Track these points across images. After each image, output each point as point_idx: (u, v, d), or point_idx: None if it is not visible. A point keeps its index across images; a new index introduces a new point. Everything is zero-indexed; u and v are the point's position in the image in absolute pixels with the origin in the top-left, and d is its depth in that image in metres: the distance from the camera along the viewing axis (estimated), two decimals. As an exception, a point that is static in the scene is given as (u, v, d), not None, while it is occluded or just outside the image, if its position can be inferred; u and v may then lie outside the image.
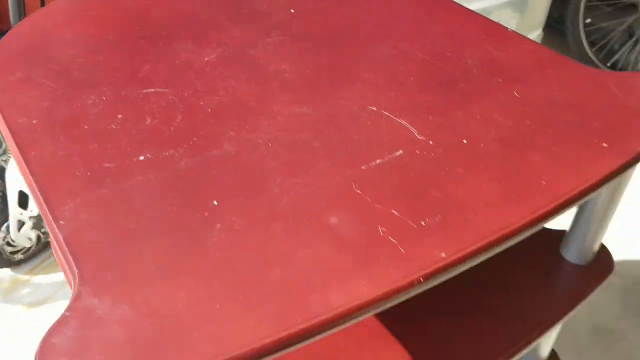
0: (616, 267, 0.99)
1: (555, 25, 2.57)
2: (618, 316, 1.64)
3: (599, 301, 1.67)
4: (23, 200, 1.59)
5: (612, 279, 1.71)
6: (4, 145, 1.62)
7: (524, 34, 2.17)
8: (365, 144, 0.75)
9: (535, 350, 1.12)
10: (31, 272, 1.75)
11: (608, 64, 2.50)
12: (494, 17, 2.09)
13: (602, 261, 1.00)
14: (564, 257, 1.00)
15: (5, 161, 1.60)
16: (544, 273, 0.98)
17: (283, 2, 1.06)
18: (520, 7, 2.25)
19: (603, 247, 1.00)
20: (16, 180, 1.54)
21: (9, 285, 1.71)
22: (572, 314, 0.92)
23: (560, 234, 1.03)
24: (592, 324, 1.62)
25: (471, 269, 0.64)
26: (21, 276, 1.74)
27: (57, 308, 1.65)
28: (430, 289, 0.62)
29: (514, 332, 0.90)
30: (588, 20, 2.44)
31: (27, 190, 1.57)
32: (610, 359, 1.54)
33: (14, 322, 1.61)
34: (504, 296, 0.95)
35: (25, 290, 1.70)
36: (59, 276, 1.73)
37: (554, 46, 2.69)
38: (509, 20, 2.22)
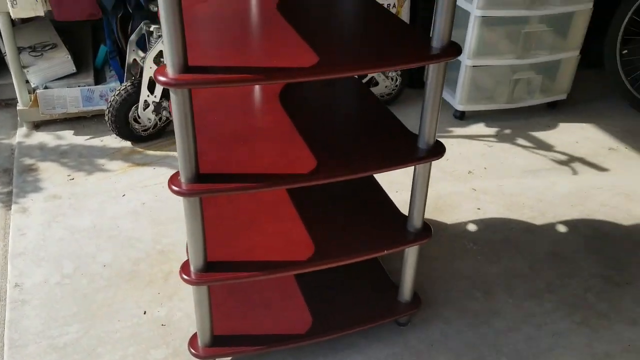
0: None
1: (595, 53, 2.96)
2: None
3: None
4: (152, 86, 2.29)
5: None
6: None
7: (563, 53, 2.61)
8: None
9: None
10: (146, 147, 2.43)
11: (642, 94, 2.85)
12: (534, 31, 2.57)
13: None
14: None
15: (143, 60, 2.31)
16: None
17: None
18: (558, 29, 2.71)
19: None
20: (150, 68, 2.25)
21: (127, 152, 2.40)
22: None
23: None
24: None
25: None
26: (138, 148, 2.43)
27: (158, 169, 2.30)
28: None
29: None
30: (625, 52, 2.83)
31: (155, 79, 2.26)
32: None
33: (124, 172, 2.28)
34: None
35: (137, 156, 2.38)
36: (164, 153, 2.40)
37: (592, 73, 3.08)
38: (543, 36, 2.67)
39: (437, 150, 1.39)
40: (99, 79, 2.54)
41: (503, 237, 2.05)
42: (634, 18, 2.79)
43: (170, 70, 1.13)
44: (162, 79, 1.13)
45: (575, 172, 2.44)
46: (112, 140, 2.45)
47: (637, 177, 2.41)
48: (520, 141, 2.65)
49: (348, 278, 1.70)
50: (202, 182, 1.25)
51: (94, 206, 2.08)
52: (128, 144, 2.44)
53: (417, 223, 1.50)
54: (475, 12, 2.53)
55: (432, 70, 1.30)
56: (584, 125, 2.80)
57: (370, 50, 1.26)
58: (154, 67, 2.24)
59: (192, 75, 1.12)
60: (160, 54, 2.23)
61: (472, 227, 2.09)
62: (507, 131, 2.72)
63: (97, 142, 2.45)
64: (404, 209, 1.56)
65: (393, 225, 1.53)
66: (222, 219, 1.53)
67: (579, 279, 1.88)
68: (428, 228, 1.52)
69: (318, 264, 1.42)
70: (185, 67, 1.13)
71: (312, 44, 1.25)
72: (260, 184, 1.26)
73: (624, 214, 2.18)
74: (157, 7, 2.13)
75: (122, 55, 2.42)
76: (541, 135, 2.70)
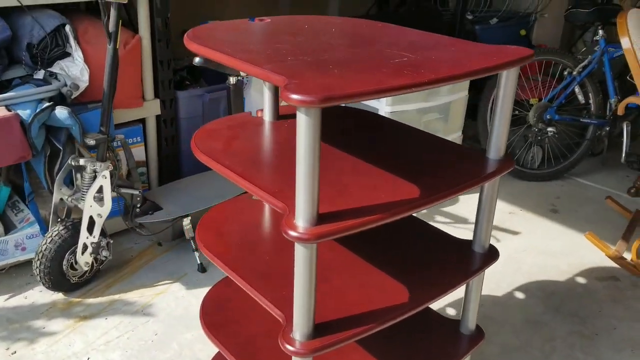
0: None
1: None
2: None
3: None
4: (90, 227, 2.02)
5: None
6: (75, 188, 2.08)
7: (450, 135, 2.92)
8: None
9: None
10: (82, 296, 2.11)
11: (512, 161, 3.29)
12: (430, 120, 2.86)
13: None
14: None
15: (77, 199, 2.04)
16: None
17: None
18: (445, 116, 3.05)
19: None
20: (90, 207, 1.99)
21: (64, 306, 2.06)
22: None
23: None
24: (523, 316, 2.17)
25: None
26: (73, 298, 2.09)
27: (111, 319, 2.00)
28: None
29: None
30: (494, 128, 3.27)
31: (96, 218, 2.01)
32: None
33: (73, 330, 1.95)
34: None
35: (78, 309, 2.05)
36: (107, 298, 2.10)
37: (470, 143, 3.49)
38: (436, 123, 2.99)
39: (492, 256, 1.47)
40: (6, 227, 2.15)
41: (479, 313, 2.17)
42: (497, 99, 3.24)
43: (302, 223, 1.04)
44: (293, 234, 1.04)
45: (497, 240, 2.70)
46: (39, 295, 2.08)
47: (545, 235, 2.75)
48: (438, 217, 2.86)
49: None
50: (319, 336, 1.15)
51: (60, 381, 1.73)
52: (59, 295, 2.09)
53: (471, 325, 1.54)
54: (385, 108, 2.73)
55: (490, 182, 1.39)
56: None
57: (448, 175, 1.29)
58: (95, 205, 1.99)
59: (327, 226, 1.05)
60: (100, 189, 1.99)
61: (450, 311, 2.18)
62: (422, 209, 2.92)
63: (20, 300, 2.05)
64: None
65: (449, 335, 1.55)
66: None
67: (560, 339, 2.06)
68: (481, 330, 1.57)
69: None
70: (318, 218, 1.05)
71: (399, 175, 1.26)
72: (371, 325, 1.19)
73: (555, 270, 2.47)
74: (94, 139, 1.94)
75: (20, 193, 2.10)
76: (450, 209, 2.95)
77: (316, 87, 0.95)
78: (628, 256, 2.53)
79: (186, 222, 2.28)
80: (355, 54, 1.19)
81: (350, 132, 1.50)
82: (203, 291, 2.18)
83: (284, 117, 1.57)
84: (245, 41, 1.26)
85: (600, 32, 3.24)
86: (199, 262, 2.30)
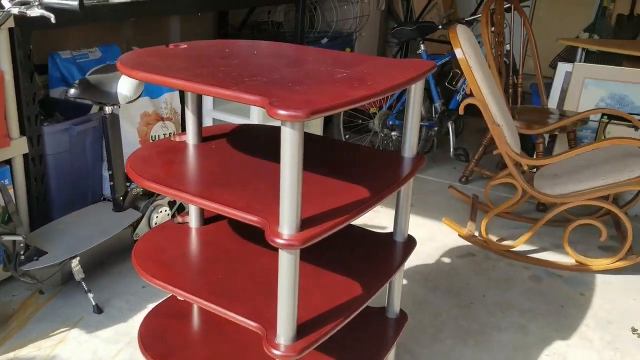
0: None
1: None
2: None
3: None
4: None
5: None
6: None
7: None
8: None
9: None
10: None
11: (363, 166, 3.61)
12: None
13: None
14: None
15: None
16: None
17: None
18: (307, 128, 3.25)
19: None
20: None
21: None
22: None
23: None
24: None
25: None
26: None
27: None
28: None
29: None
30: (347, 136, 3.56)
31: None
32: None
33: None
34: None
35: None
36: (1, 358, 1.90)
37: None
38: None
39: (412, 242, 1.66)
40: None
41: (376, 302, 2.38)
42: (348, 111, 3.53)
43: (287, 231, 1.13)
44: (281, 241, 1.11)
45: (369, 237, 2.95)
46: None
47: (407, 227, 3.07)
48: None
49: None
50: (301, 337, 1.23)
51: None
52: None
53: (397, 309, 1.72)
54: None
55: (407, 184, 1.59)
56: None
57: (383, 174, 1.45)
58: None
59: (311, 231, 1.14)
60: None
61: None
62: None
63: None
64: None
65: (380, 321, 1.71)
66: None
67: (445, 313, 2.36)
68: (404, 312, 1.75)
69: None
70: (302, 224, 1.14)
71: (342, 179, 1.39)
72: (340, 319, 1.31)
73: (424, 255, 2.80)
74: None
75: None
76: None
77: (299, 103, 1.05)
78: (477, 234, 2.95)
79: (75, 263, 2.16)
80: (298, 73, 1.31)
81: (270, 147, 1.60)
82: (107, 332, 2.09)
83: (207, 139, 1.61)
84: (187, 66, 1.30)
85: (422, 46, 3.72)
86: (94, 303, 2.18)
